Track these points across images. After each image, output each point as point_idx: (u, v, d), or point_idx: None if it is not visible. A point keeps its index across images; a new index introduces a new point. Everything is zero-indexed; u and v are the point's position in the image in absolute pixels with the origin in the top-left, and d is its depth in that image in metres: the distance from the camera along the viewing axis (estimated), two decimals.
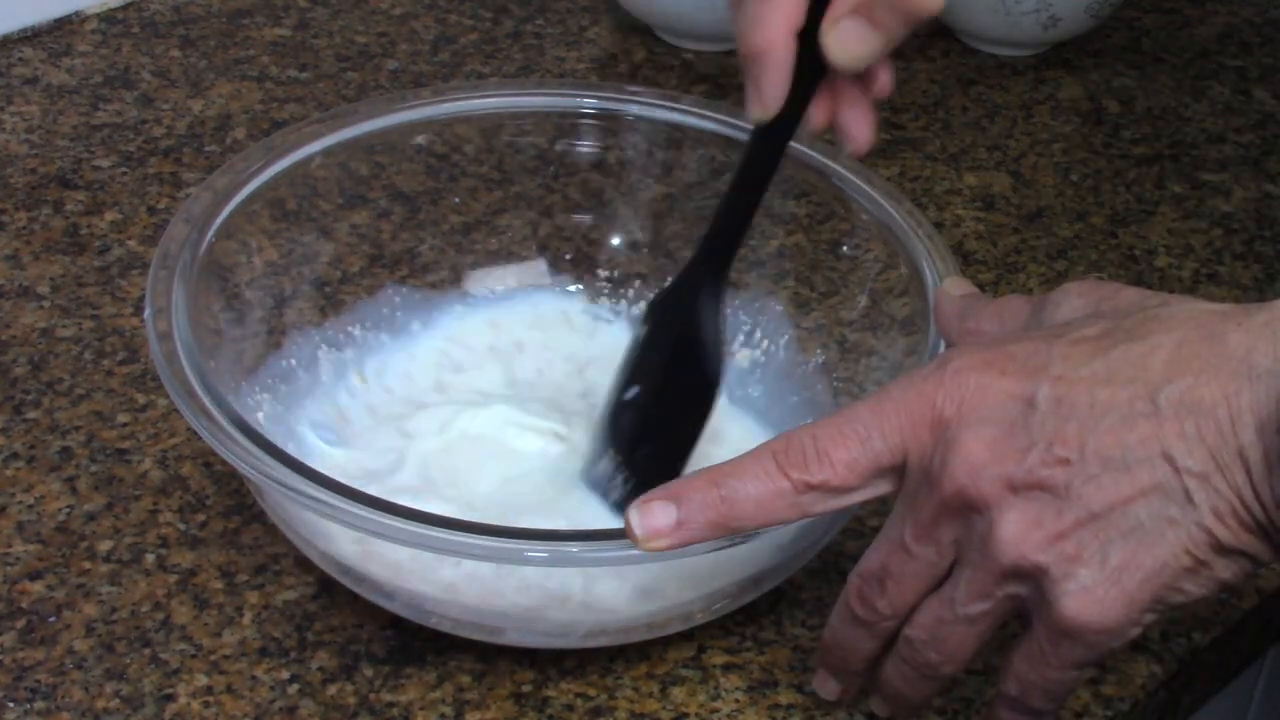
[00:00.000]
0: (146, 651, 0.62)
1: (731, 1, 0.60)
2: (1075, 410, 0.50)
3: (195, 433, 0.58)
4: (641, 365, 0.65)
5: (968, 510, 0.51)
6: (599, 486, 0.65)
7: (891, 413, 0.53)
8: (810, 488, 0.53)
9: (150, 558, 0.66)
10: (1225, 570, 0.50)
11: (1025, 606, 0.52)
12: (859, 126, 0.62)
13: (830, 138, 0.64)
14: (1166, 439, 0.49)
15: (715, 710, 0.62)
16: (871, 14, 0.57)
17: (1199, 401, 0.49)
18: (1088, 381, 0.50)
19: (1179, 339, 0.50)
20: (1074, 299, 0.55)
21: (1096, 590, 0.50)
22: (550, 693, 0.62)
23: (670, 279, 0.66)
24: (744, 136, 0.72)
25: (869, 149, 0.62)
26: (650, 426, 0.64)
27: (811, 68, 0.58)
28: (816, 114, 0.61)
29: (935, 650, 0.54)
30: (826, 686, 0.60)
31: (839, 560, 0.67)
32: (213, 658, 0.62)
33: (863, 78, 0.61)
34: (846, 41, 0.58)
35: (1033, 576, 0.51)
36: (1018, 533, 0.50)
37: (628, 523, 0.54)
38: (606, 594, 0.60)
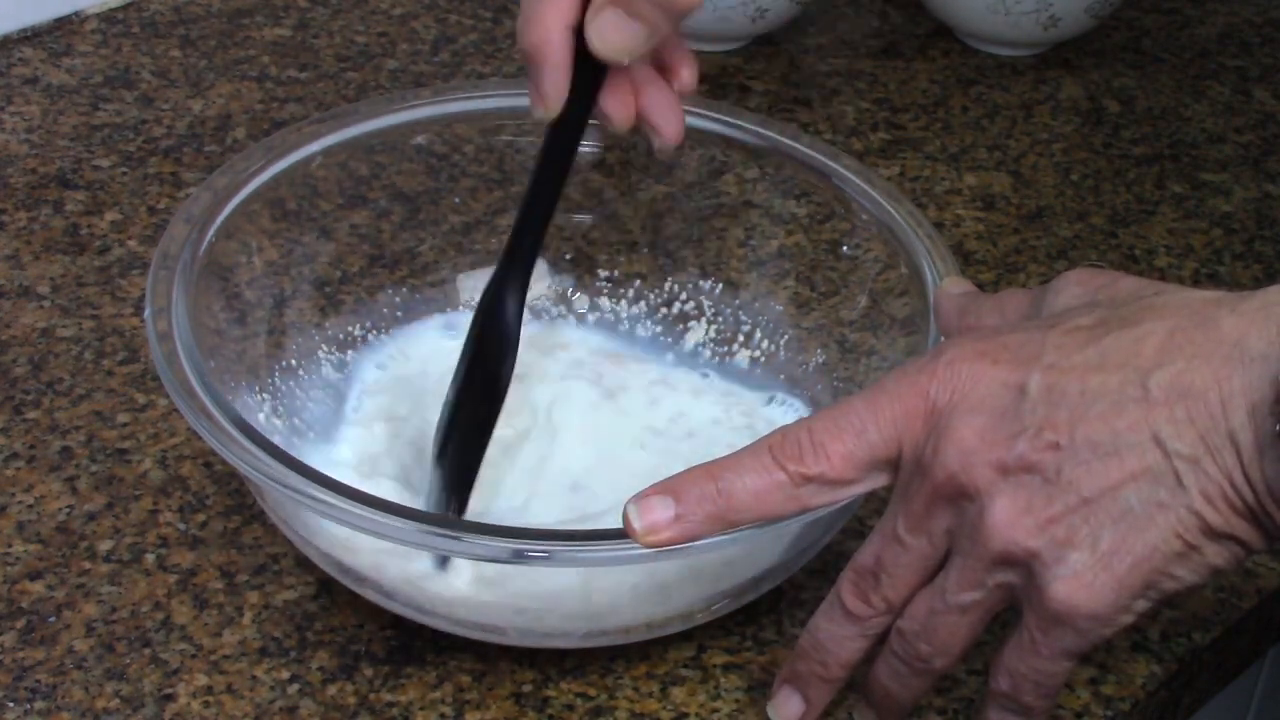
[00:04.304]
0: (146, 651, 0.62)
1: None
2: (1066, 397, 0.50)
3: (195, 433, 0.58)
4: (458, 365, 0.65)
5: (959, 497, 0.51)
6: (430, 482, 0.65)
7: (886, 405, 0.53)
8: (807, 480, 0.53)
9: (150, 558, 0.66)
10: (1216, 556, 0.50)
11: (1016, 597, 0.52)
12: (664, 119, 0.61)
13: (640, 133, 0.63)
14: (1156, 423, 0.49)
15: (715, 710, 0.61)
16: (631, 5, 0.57)
17: (1190, 386, 0.49)
18: (1080, 369, 0.50)
19: (1171, 326, 0.50)
20: (1073, 287, 0.55)
21: (1086, 575, 0.50)
22: (550, 693, 0.62)
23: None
24: (745, 136, 0.73)
25: (678, 142, 0.62)
26: (454, 424, 0.64)
27: (595, 63, 0.58)
28: (619, 110, 0.61)
29: (926, 641, 0.54)
30: (788, 706, 0.58)
31: (839, 560, 0.66)
32: (213, 658, 0.62)
33: (664, 71, 0.61)
34: (606, 31, 0.57)
35: (1023, 563, 0.51)
36: (1008, 518, 0.50)
37: (626, 518, 0.54)
38: (606, 594, 0.60)
